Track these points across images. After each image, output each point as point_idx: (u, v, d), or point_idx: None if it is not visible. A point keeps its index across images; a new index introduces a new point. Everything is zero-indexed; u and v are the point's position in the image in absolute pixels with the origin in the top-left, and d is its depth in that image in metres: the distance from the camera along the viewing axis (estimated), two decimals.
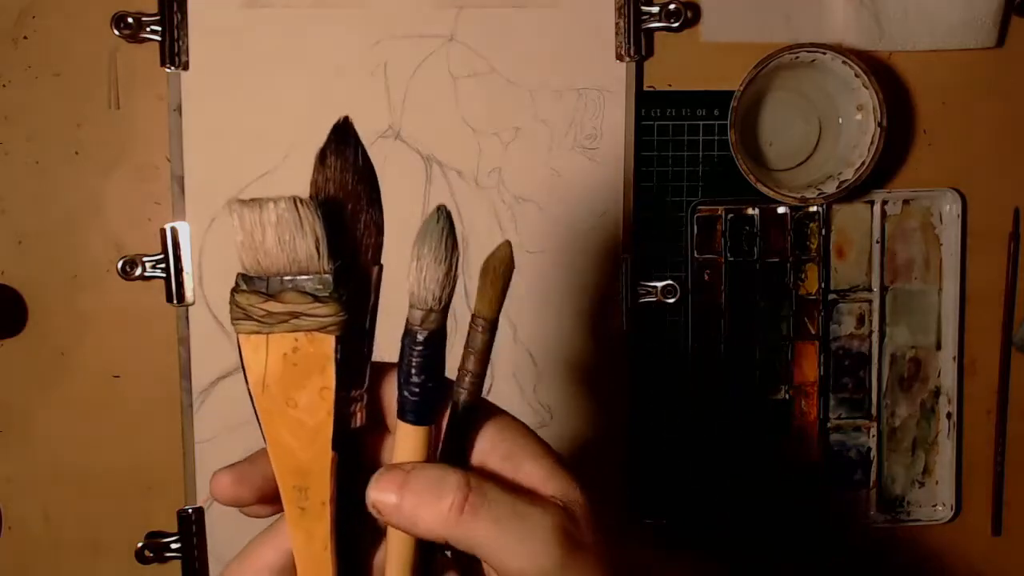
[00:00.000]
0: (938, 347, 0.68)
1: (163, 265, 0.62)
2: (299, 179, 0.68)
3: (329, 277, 0.31)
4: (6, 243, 0.63)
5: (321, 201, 0.33)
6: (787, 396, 0.67)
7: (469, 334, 0.32)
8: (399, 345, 0.32)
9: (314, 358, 0.31)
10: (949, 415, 0.68)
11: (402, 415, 0.32)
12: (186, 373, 0.63)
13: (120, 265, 0.62)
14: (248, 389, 0.32)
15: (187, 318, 0.63)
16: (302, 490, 0.32)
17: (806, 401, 0.67)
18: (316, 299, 0.31)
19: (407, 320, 0.32)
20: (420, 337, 0.31)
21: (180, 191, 0.62)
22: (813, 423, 0.67)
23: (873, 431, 0.68)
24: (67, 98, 0.62)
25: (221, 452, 0.64)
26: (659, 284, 0.65)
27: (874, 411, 0.68)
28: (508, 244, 0.32)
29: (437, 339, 0.32)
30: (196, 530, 0.64)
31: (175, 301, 0.63)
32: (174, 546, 0.64)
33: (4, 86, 0.62)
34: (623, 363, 0.65)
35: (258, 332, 0.31)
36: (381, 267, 0.33)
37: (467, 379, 0.32)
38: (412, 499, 0.30)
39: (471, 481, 0.30)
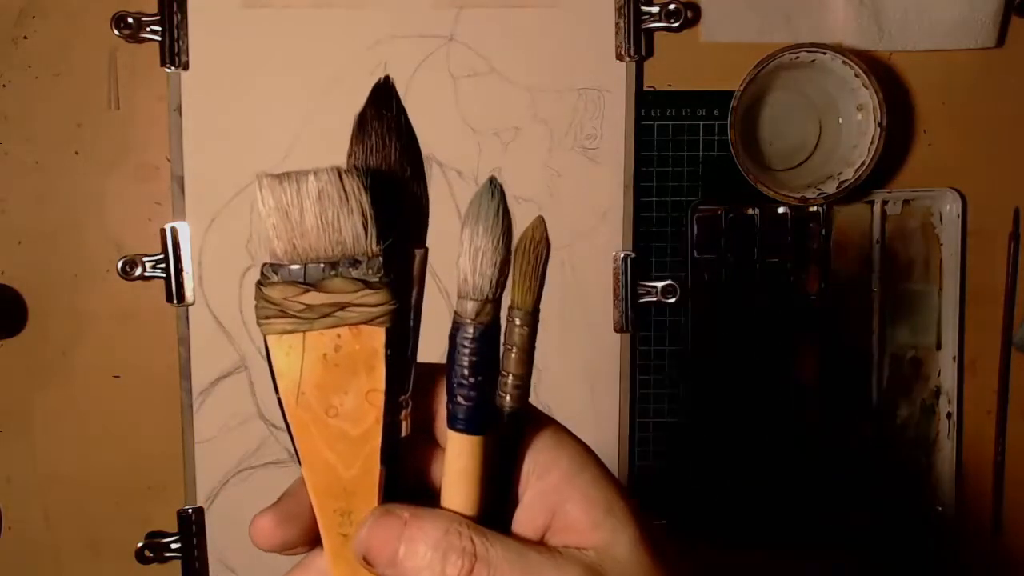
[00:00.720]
0: (938, 347, 0.68)
1: (163, 265, 0.62)
2: None
3: (379, 260, 0.27)
4: (6, 243, 0.63)
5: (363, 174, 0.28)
6: (787, 396, 0.67)
7: (507, 329, 0.28)
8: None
9: (360, 356, 0.27)
10: (949, 415, 0.68)
11: (453, 423, 0.28)
12: (186, 373, 0.63)
13: (120, 265, 0.62)
14: (278, 398, 0.27)
15: (187, 318, 0.63)
16: (345, 514, 0.28)
17: (806, 401, 0.67)
18: (366, 285, 0.27)
19: (456, 313, 0.28)
20: (475, 332, 0.27)
21: (180, 191, 0.62)
22: (813, 423, 0.67)
23: (873, 431, 0.68)
24: (67, 98, 0.62)
25: (221, 452, 0.64)
26: (659, 284, 0.65)
27: (874, 411, 0.68)
28: (541, 221, 0.28)
29: (492, 333, 0.28)
30: (196, 530, 0.64)
31: (175, 301, 0.63)
32: (174, 546, 0.64)
33: (4, 86, 0.62)
34: (623, 363, 0.65)
35: (293, 331, 0.27)
36: (426, 250, 0.29)
37: (509, 381, 0.28)
38: (408, 562, 0.27)
39: (476, 548, 0.27)
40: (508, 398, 0.28)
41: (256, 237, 0.27)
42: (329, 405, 0.27)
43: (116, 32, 0.61)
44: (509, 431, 0.29)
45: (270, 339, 0.27)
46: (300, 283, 0.27)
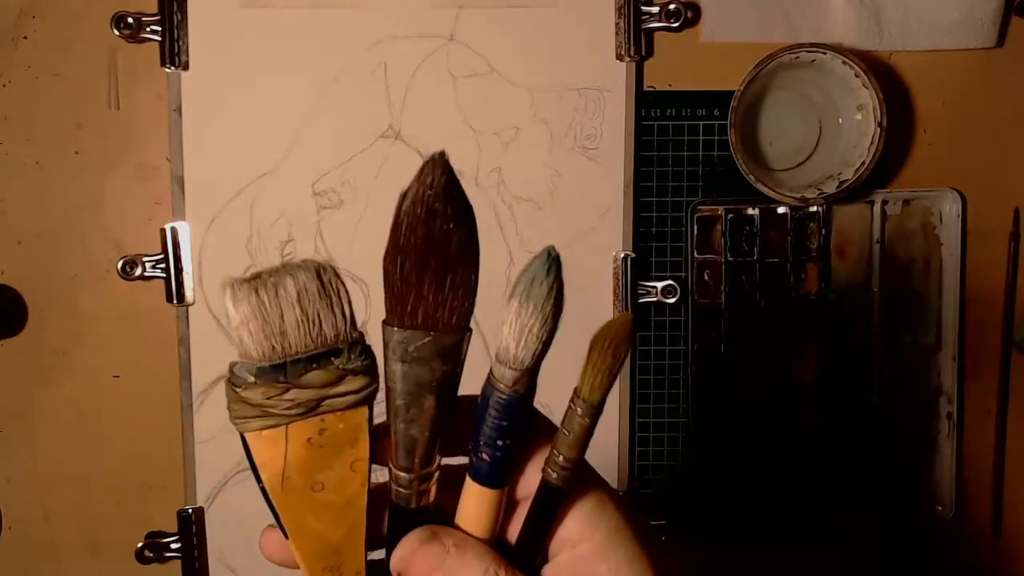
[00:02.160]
0: (938, 347, 0.68)
1: (163, 265, 0.62)
2: (299, 179, 0.68)
3: (360, 345, 0.27)
4: (6, 243, 0.63)
5: (403, 244, 0.26)
6: (787, 396, 0.67)
7: (567, 415, 0.28)
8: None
9: (344, 434, 0.27)
10: (949, 415, 0.68)
11: (474, 475, 0.28)
12: (186, 373, 0.63)
13: (120, 265, 0.62)
14: (261, 488, 0.27)
15: (187, 318, 0.63)
16: (335, 569, 0.29)
17: (806, 401, 0.67)
18: (348, 372, 0.27)
19: (492, 375, 0.28)
20: (508, 399, 0.27)
21: (180, 191, 0.62)
22: (812, 423, 0.67)
23: (873, 431, 0.68)
24: (67, 98, 0.62)
25: (221, 452, 0.64)
26: (659, 284, 0.65)
27: (874, 411, 0.68)
28: (628, 318, 0.28)
29: (526, 401, 0.28)
30: (196, 530, 0.64)
31: (175, 301, 0.63)
32: (174, 546, 0.64)
33: (4, 86, 0.62)
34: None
35: (275, 426, 0.27)
36: (470, 332, 0.28)
37: (560, 462, 0.28)
38: None
39: None
40: (554, 476, 0.28)
41: (232, 336, 0.27)
42: (315, 482, 0.27)
43: (116, 32, 0.61)
44: (547, 502, 0.29)
45: (249, 436, 0.27)
46: (280, 382, 0.26)
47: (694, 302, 0.66)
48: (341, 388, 0.27)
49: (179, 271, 0.62)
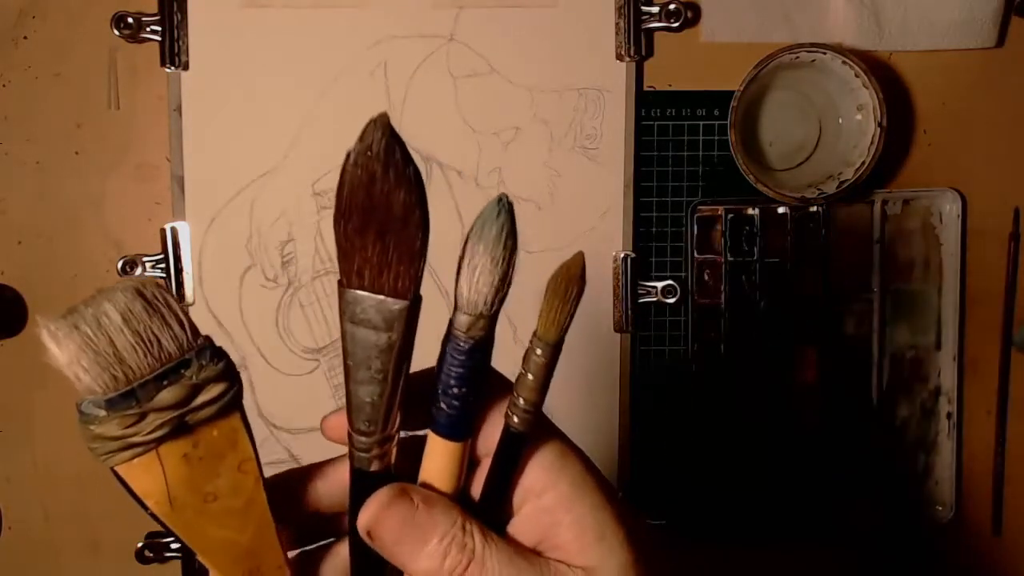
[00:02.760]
0: (938, 347, 0.68)
1: (163, 265, 0.62)
2: (299, 179, 0.68)
3: (209, 349, 0.26)
4: (6, 243, 0.63)
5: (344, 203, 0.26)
6: (787, 396, 0.67)
7: (526, 356, 0.29)
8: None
9: (221, 439, 0.27)
10: (949, 415, 0.68)
11: (435, 428, 0.29)
12: None
13: (120, 265, 0.62)
14: (151, 515, 0.27)
15: None
16: (255, 571, 0.28)
17: (806, 401, 0.67)
18: (205, 381, 0.26)
19: (451, 324, 0.28)
20: (464, 346, 0.27)
21: (180, 191, 0.62)
22: (812, 423, 0.67)
23: (873, 431, 0.68)
24: (67, 98, 0.62)
25: None
26: (659, 284, 0.65)
27: (874, 411, 0.68)
28: (580, 258, 0.28)
29: (483, 348, 0.28)
30: None
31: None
32: (174, 546, 0.64)
33: (4, 86, 0.62)
34: (623, 363, 0.65)
35: (144, 452, 0.26)
36: (417, 301, 0.27)
37: (521, 405, 0.28)
38: (410, 547, 0.28)
39: (476, 546, 0.28)
40: (515, 419, 0.28)
41: (67, 375, 0.26)
42: (206, 494, 0.27)
43: (116, 32, 0.61)
44: (510, 450, 0.29)
45: (120, 469, 0.26)
46: (132, 409, 0.25)
47: (694, 302, 0.66)
48: (200, 399, 0.26)
49: (179, 271, 0.62)
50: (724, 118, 0.65)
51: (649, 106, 0.65)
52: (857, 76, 0.62)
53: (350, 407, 0.28)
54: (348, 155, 0.26)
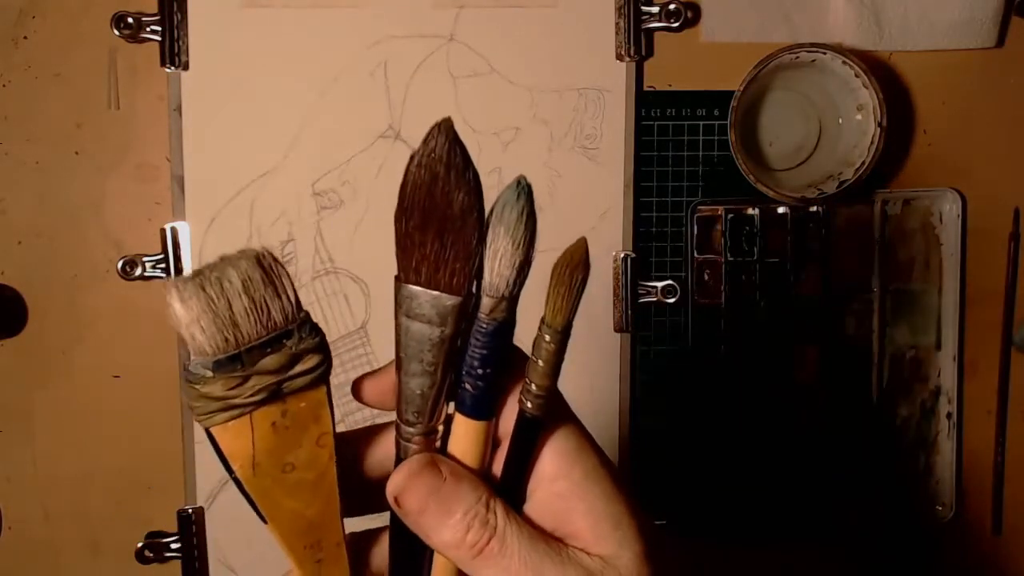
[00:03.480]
0: (938, 347, 0.68)
1: (163, 265, 0.62)
2: (299, 179, 0.68)
3: (308, 323, 0.28)
4: (6, 243, 0.63)
5: (407, 201, 0.27)
6: (787, 396, 0.67)
7: (536, 343, 0.29)
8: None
9: (307, 412, 0.28)
10: (949, 415, 0.68)
11: (460, 407, 0.29)
12: None
13: (120, 265, 0.62)
14: (234, 478, 0.28)
15: None
16: (315, 544, 0.30)
17: (806, 401, 0.67)
18: (303, 352, 0.28)
19: (474, 307, 0.29)
20: (487, 327, 0.28)
21: (180, 191, 0.62)
22: (813, 423, 0.67)
23: (873, 431, 0.68)
24: (67, 98, 0.62)
25: None
26: (659, 284, 0.65)
27: (874, 411, 0.68)
28: (584, 243, 0.29)
29: (505, 330, 0.28)
30: (196, 530, 0.64)
31: None
32: (174, 546, 0.64)
33: (4, 86, 0.62)
34: (623, 363, 0.65)
35: (240, 416, 0.27)
36: (470, 297, 0.28)
37: (532, 390, 0.29)
38: (434, 518, 0.28)
39: (498, 523, 0.28)
40: (529, 405, 0.29)
41: (184, 335, 0.27)
42: (285, 463, 0.28)
43: (116, 32, 0.61)
44: (525, 434, 0.30)
45: (215, 430, 0.27)
46: (238, 372, 0.27)
47: (694, 302, 0.66)
48: (297, 368, 0.27)
49: (179, 271, 0.62)
50: (724, 118, 0.65)
51: (649, 106, 0.65)
52: (857, 76, 0.62)
53: (400, 398, 0.29)
54: (412, 156, 0.27)
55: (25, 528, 0.64)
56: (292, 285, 0.28)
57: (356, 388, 0.32)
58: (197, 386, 0.26)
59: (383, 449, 0.32)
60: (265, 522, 0.29)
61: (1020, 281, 0.68)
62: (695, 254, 0.66)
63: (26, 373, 0.63)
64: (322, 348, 0.28)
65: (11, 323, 0.63)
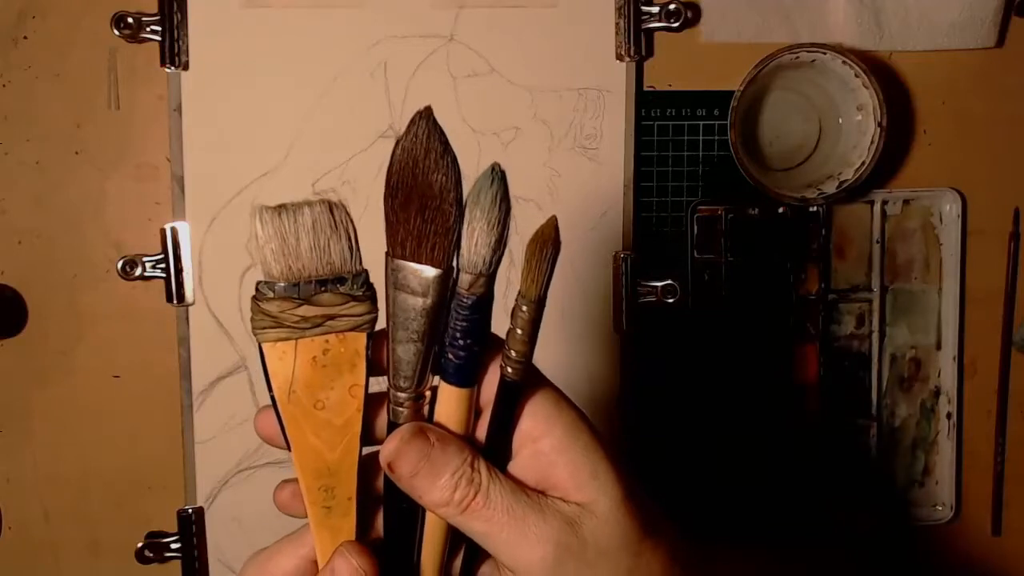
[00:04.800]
0: (938, 347, 0.68)
1: (163, 265, 0.62)
2: (299, 179, 0.68)
3: (363, 276, 0.32)
4: (6, 243, 0.63)
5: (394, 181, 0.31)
6: (787, 396, 0.67)
7: (513, 313, 0.32)
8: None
9: (345, 357, 0.31)
10: (949, 415, 0.68)
11: (445, 376, 0.32)
12: (186, 373, 0.63)
13: (120, 265, 0.62)
14: (272, 397, 0.31)
15: (187, 318, 0.63)
16: (328, 489, 0.32)
17: (806, 401, 0.67)
18: (352, 299, 0.31)
19: (454, 284, 0.31)
20: (467, 301, 0.31)
21: (180, 191, 0.62)
22: (813, 423, 0.67)
23: (873, 431, 0.68)
24: (67, 98, 0.62)
25: (221, 452, 0.64)
26: (659, 284, 0.65)
27: (874, 411, 0.68)
28: (554, 220, 0.32)
29: (484, 304, 0.31)
30: (196, 530, 0.64)
31: (175, 301, 0.63)
32: (174, 546, 0.64)
33: (4, 86, 0.62)
34: (623, 363, 0.65)
35: (287, 339, 0.30)
36: (450, 271, 0.31)
37: (513, 357, 0.32)
38: (426, 480, 0.31)
39: (483, 480, 0.31)
40: (510, 370, 0.32)
41: (255, 257, 0.31)
42: (316, 400, 0.31)
43: (116, 32, 0.61)
44: (506, 397, 0.32)
45: (265, 346, 0.31)
46: (295, 298, 0.30)
47: (694, 302, 0.66)
48: (344, 311, 0.31)
49: (179, 271, 0.62)
50: (724, 118, 0.65)
51: (649, 106, 0.65)
52: (857, 76, 0.62)
53: (391, 365, 0.32)
54: (397, 142, 0.31)
55: (25, 528, 0.64)
56: (356, 239, 0.31)
57: (256, 421, 0.34)
58: (260, 302, 0.30)
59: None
60: (289, 449, 0.31)
61: (1020, 281, 0.68)
62: (695, 254, 0.66)
63: (26, 373, 0.63)
64: (370, 300, 0.31)
65: (11, 323, 0.63)
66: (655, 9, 0.63)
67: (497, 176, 0.31)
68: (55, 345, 0.64)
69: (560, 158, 0.64)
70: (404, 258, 0.31)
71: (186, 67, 0.62)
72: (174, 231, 0.62)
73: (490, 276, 0.31)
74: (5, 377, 0.63)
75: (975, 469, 0.69)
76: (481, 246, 0.30)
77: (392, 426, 0.32)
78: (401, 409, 0.32)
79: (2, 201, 0.63)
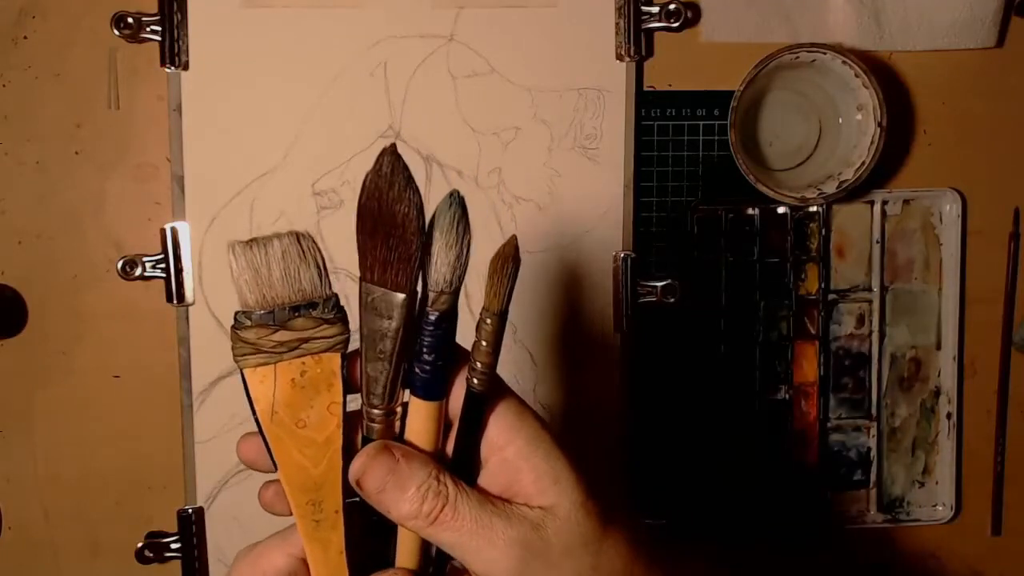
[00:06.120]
0: (938, 347, 0.68)
1: (163, 265, 0.62)
2: (299, 179, 0.68)
3: (333, 300, 0.33)
4: (6, 243, 0.63)
5: (362, 206, 0.33)
6: (787, 396, 0.67)
7: (478, 327, 0.33)
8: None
9: (321, 377, 0.33)
10: (949, 415, 0.68)
11: (413, 391, 0.34)
12: (186, 373, 0.63)
13: (120, 265, 0.62)
14: (256, 420, 0.33)
15: (187, 318, 0.63)
16: (316, 503, 0.33)
17: (806, 401, 0.67)
18: (324, 321, 0.33)
19: (420, 302, 0.33)
20: (431, 317, 0.33)
21: (180, 191, 0.62)
22: (813, 423, 0.67)
23: (873, 431, 0.68)
24: (67, 98, 0.62)
25: (221, 452, 0.64)
26: (659, 284, 0.65)
27: (874, 411, 0.68)
28: (514, 239, 0.33)
29: (448, 319, 0.33)
30: (196, 530, 0.64)
31: (175, 301, 0.63)
32: (174, 546, 0.64)
33: (4, 86, 0.62)
34: (623, 363, 0.65)
35: (266, 363, 0.32)
36: (415, 295, 0.33)
37: (478, 370, 0.33)
38: (392, 495, 0.32)
39: (449, 492, 0.33)
40: (475, 382, 0.33)
41: (234, 286, 0.33)
42: (298, 419, 0.33)
43: (116, 32, 0.61)
44: (473, 409, 0.34)
45: (247, 372, 0.32)
46: (270, 325, 0.32)
47: (694, 302, 0.66)
48: (318, 333, 0.33)
49: (179, 271, 0.62)
50: (724, 118, 0.65)
51: (649, 106, 0.65)
52: (857, 76, 0.62)
53: (364, 384, 0.34)
54: (366, 175, 0.33)
55: (25, 528, 0.64)
56: (324, 266, 0.33)
57: (238, 447, 0.36)
58: (238, 331, 0.32)
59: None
60: (275, 467, 0.33)
61: (1020, 281, 0.68)
62: (695, 254, 0.66)
63: (26, 373, 0.63)
64: (341, 323, 0.33)
65: (11, 323, 0.63)
66: (655, 9, 0.63)
67: (455, 201, 0.33)
68: (55, 345, 0.64)
69: (560, 158, 0.64)
70: (373, 282, 0.33)
71: (186, 67, 0.62)
72: (174, 231, 0.62)
73: (452, 293, 0.32)
74: (5, 377, 0.63)
75: (975, 469, 0.69)
76: (442, 265, 0.32)
77: (367, 441, 0.34)
78: (375, 425, 0.34)
79: (2, 201, 0.63)
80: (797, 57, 0.62)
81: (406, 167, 0.33)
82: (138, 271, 0.62)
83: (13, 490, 0.64)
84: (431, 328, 0.33)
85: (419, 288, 0.33)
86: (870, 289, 0.67)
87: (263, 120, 0.63)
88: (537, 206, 0.64)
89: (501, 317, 0.33)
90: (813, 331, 0.67)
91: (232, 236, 0.62)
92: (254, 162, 0.63)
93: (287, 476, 0.33)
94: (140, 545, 0.64)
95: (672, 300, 0.65)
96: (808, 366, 0.67)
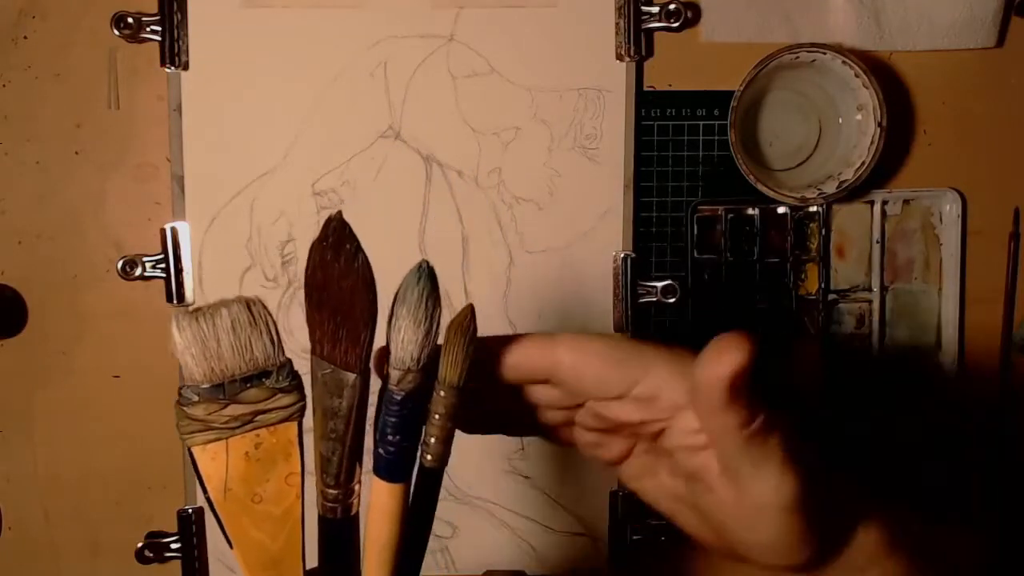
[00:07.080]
0: (938, 347, 0.68)
1: (163, 265, 0.62)
2: (299, 179, 0.68)
3: (287, 367, 0.31)
4: (6, 243, 0.63)
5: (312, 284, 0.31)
6: (787, 396, 0.67)
7: (433, 399, 0.31)
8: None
9: (278, 447, 0.31)
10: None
11: (376, 471, 0.31)
12: None
13: (120, 265, 0.62)
14: (207, 498, 0.31)
15: None
16: None
17: (806, 401, 0.67)
18: (279, 391, 0.31)
19: (386, 378, 0.31)
20: (396, 397, 0.30)
21: (180, 191, 0.62)
22: (812, 423, 0.67)
23: (874, 431, 0.68)
24: (67, 98, 0.62)
25: None
26: (659, 284, 0.65)
27: (874, 411, 0.68)
28: (469, 308, 0.31)
29: (415, 399, 0.30)
30: (196, 530, 0.64)
31: (175, 301, 0.63)
32: (174, 546, 0.64)
33: (4, 86, 0.62)
34: None
35: (216, 439, 0.30)
36: (367, 373, 0.31)
37: (432, 443, 0.31)
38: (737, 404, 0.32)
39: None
40: (429, 457, 0.31)
41: (179, 361, 0.32)
42: (254, 493, 0.31)
43: (116, 32, 0.61)
44: (430, 483, 0.32)
45: (195, 450, 0.31)
46: (220, 399, 0.30)
47: (694, 302, 0.66)
48: (272, 404, 0.30)
49: (179, 271, 0.62)
50: (724, 118, 0.65)
51: (649, 106, 0.65)
52: (857, 76, 0.62)
53: (318, 462, 0.31)
54: (312, 245, 0.31)
55: (25, 528, 0.64)
56: (276, 332, 0.31)
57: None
58: (185, 408, 0.31)
59: (517, 355, 0.33)
60: (231, 546, 0.31)
61: (1020, 281, 0.68)
62: (695, 254, 0.66)
63: (26, 373, 0.63)
64: (297, 391, 0.31)
65: (11, 323, 0.63)
66: (655, 9, 0.63)
67: (424, 273, 0.30)
68: (55, 345, 0.64)
69: (560, 158, 0.64)
70: (323, 357, 0.31)
71: (186, 67, 0.62)
72: (174, 231, 0.62)
73: (419, 371, 0.30)
74: (5, 377, 0.63)
75: (975, 469, 0.69)
76: (408, 343, 0.30)
77: (325, 522, 0.32)
78: (329, 504, 0.32)
79: (2, 201, 0.63)
80: (797, 57, 0.62)
81: (353, 235, 0.30)
82: (138, 271, 0.62)
83: (13, 490, 0.64)
84: (396, 408, 0.30)
85: (386, 363, 0.31)
86: (870, 289, 0.67)
87: (263, 120, 0.63)
88: (537, 206, 0.64)
89: (459, 391, 0.31)
90: (813, 331, 0.67)
91: (232, 236, 0.63)
92: (254, 162, 0.63)
93: (244, 554, 0.31)
94: (140, 545, 0.64)
95: (672, 300, 0.65)
96: (808, 366, 0.67)
